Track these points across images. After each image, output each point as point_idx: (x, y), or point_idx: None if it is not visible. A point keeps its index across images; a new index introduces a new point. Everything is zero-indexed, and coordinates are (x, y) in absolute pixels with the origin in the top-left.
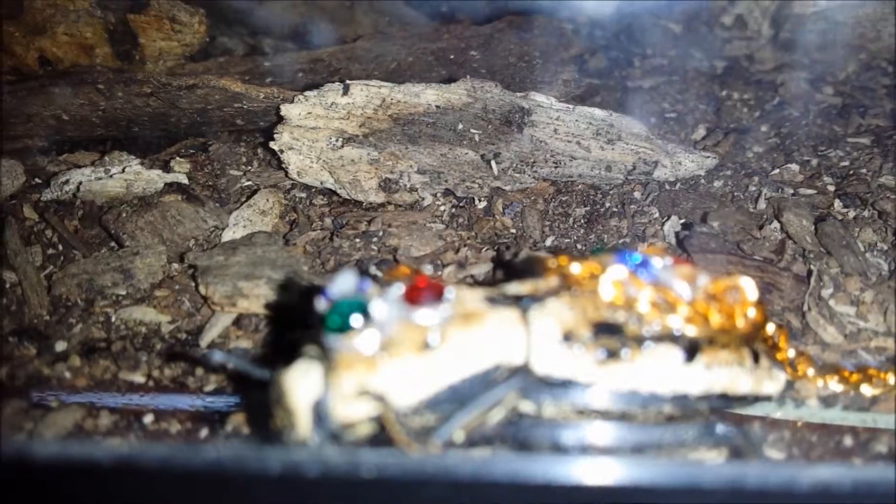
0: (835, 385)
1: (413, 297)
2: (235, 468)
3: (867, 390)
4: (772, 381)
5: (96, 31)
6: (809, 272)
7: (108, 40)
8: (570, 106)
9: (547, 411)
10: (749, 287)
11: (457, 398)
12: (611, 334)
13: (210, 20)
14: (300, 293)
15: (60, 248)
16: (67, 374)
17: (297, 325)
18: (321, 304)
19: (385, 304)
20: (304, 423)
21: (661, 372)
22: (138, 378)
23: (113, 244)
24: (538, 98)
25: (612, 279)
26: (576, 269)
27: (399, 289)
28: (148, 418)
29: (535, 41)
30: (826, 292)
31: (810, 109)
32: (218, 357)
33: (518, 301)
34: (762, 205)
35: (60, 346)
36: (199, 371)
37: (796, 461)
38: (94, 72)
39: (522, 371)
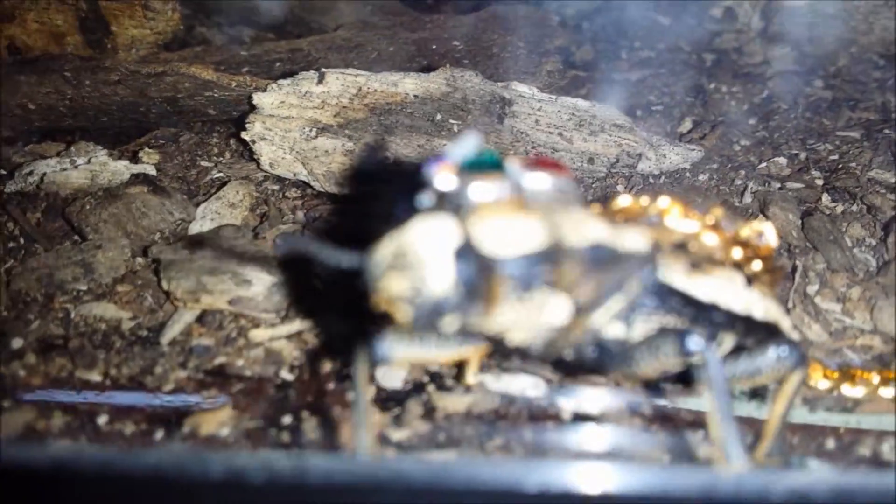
0: (821, 384)
1: (542, 166)
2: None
3: (850, 391)
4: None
5: (67, 19)
6: (794, 268)
7: (80, 28)
8: (553, 96)
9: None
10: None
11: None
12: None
13: (188, 9)
14: None
15: (21, 241)
16: (22, 373)
17: None
18: (438, 170)
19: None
20: (444, 275)
21: (732, 291)
22: (95, 377)
23: (76, 237)
24: (520, 88)
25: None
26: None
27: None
28: (102, 419)
29: (520, 32)
30: (812, 289)
31: (799, 103)
32: (280, 242)
33: None
34: (748, 199)
35: (16, 343)
36: (158, 370)
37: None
38: (60, 59)
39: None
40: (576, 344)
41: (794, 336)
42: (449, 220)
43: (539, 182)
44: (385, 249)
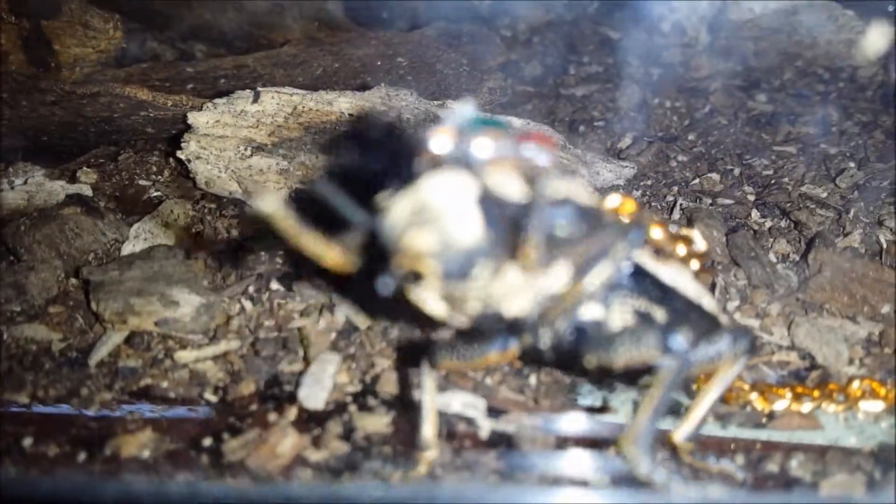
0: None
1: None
2: None
3: (761, 406)
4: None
5: (10, 38)
6: (713, 284)
7: (23, 47)
8: (488, 115)
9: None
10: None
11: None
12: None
13: (140, 24)
14: None
15: None
16: None
17: None
18: (438, 136)
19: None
20: (472, 224)
21: (688, 279)
22: (23, 399)
23: (11, 258)
24: (454, 106)
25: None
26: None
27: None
28: (27, 441)
29: (464, 49)
30: (732, 305)
31: (740, 117)
32: (323, 189)
33: None
34: (676, 215)
35: None
36: (84, 392)
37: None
38: None
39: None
40: (564, 314)
41: None
42: (464, 173)
43: (530, 150)
44: (401, 208)
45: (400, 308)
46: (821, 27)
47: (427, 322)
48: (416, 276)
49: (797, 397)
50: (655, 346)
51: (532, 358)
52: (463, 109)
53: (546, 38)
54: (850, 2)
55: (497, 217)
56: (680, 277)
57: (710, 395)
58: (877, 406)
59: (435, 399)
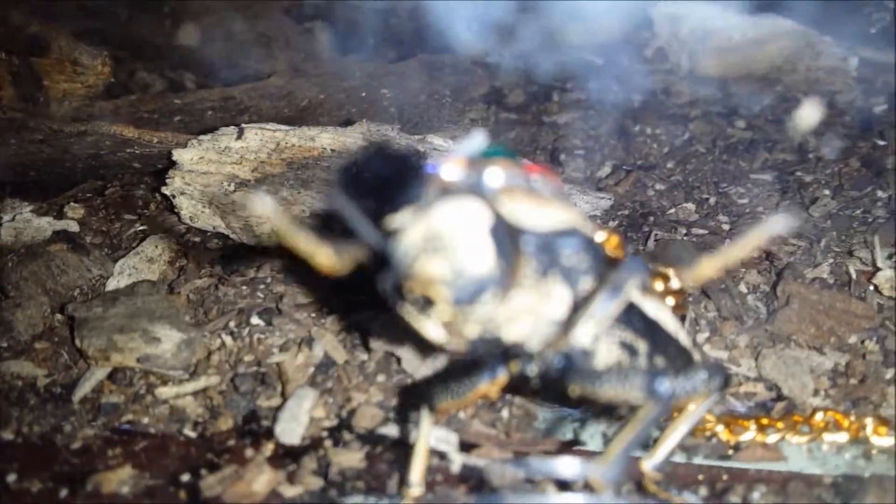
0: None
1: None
2: None
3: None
4: None
5: (1, 74)
6: (683, 317)
7: (13, 82)
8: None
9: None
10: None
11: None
12: None
13: (130, 54)
14: None
15: None
16: None
17: None
18: (449, 165)
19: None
20: (484, 252)
21: (668, 314)
22: (8, 435)
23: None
24: (435, 141)
25: None
26: None
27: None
28: (11, 478)
29: (446, 79)
30: (702, 336)
31: (718, 145)
32: (337, 200)
33: None
34: (651, 245)
35: None
36: (67, 428)
37: None
38: None
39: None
40: (563, 348)
41: None
42: (478, 200)
43: (537, 181)
44: (414, 233)
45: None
46: (799, 54)
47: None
48: (427, 302)
49: (762, 429)
50: (641, 389)
51: (518, 386)
52: (474, 140)
53: (531, 64)
54: (828, 29)
55: (507, 245)
56: (660, 312)
57: (681, 428)
58: (840, 437)
59: (429, 442)
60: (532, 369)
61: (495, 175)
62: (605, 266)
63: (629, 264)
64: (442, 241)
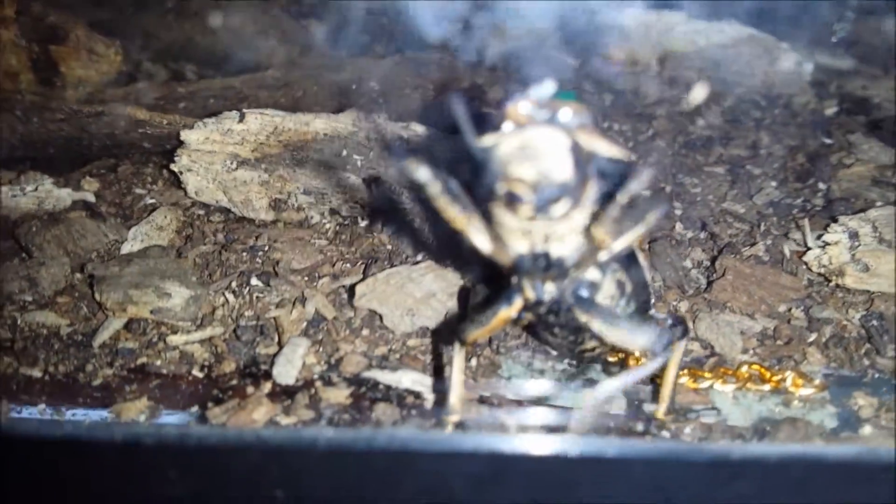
0: None
1: None
2: None
3: None
4: None
5: (21, 60)
6: None
7: (32, 68)
8: (447, 135)
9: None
10: None
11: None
12: None
13: (136, 45)
14: None
15: None
16: None
17: None
18: (522, 102)
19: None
20: (566, 165)
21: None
22: (36, 373)
23: (23, 255)
24: (418, 129)
25: None
26: None
27: None
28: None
29: (431, 75)
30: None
31: (678, 140)
32: (456, 104)
33: None
34: None
35: None
36: (89, 368)
37: None
38: (12, 101)
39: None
40: (591, 263)
41: None
42: (559, 130)
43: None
44: (509, 144)
45: None
46: (759, 59)
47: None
48: (513, 198)
49: (694, 377)
50: (649, 342)
51: (530, 323)
52: (546, 85)
53: (511, 64)
54: (786, 36)
55: (583, 164)
56: (642, 258)
57: (670, 375)
58: (764, 388)
59: (462, 372)
60: (549, 291)
61: (568, 114)
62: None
63: (654, 198)
64: (533, 150)
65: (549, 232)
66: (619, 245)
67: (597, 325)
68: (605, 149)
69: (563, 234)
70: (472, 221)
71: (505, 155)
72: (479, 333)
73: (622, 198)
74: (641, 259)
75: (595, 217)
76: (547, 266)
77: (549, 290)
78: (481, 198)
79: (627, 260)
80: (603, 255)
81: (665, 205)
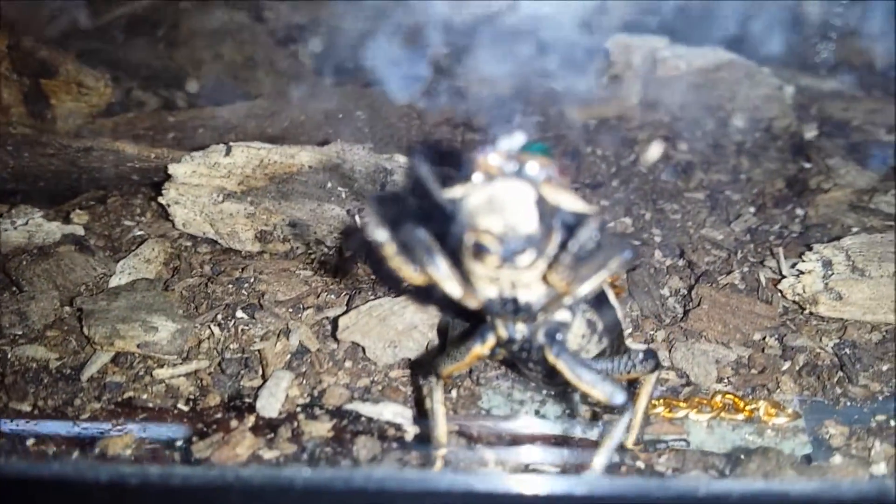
0: None
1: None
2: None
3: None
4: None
5: (12, 93)
6: None
7: (24, 101)
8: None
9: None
10: None
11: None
12: None
13: (126, 73)
14: None
15: None
16: None
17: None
18: (491, 154)
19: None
20: (530, 219)
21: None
22: (25, 407)
23: (14, 289)
24: (400, 160)
25: None
26: None
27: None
28: (30, 441)
29: (416, 104)
30: (627, 332)
31: (659, 165)
32: (418, 161)
33: None
34: None
35: None
36: (77, 402)
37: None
38: (4, 136)
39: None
40: (557, 307)
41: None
42: (526, 184)
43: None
44: (477, 196)
45: None
46: (739, 83)
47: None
48: (480, 249)
49: (669, 407)
50: (607, 395)
51: (506, 359)
52: (515, 137)
53: (497, 89)
54: (766, 62)
55: (547, 217)
56: (614, 297)
57: (641, 405)
58: (737, 417)
59: (443, 406)
60: (520, 331)
61: (534, 167)
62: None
63: (619, 244)
64: (500, 203)
65: (515, 279)
66: (583, 291)
67: (562, 369)
68: (570, 203)
69: (529, 282)
70: (439, 270)
71: (473, 207)
72: (454, 368)
73: (573, 246)
74: (612, 297)
75: (551, 265)
76: (515, 310)
77: (521, 329)
78: (451, 246)
79: (598, 300)
80: (568, 301)
81: (629, 250)
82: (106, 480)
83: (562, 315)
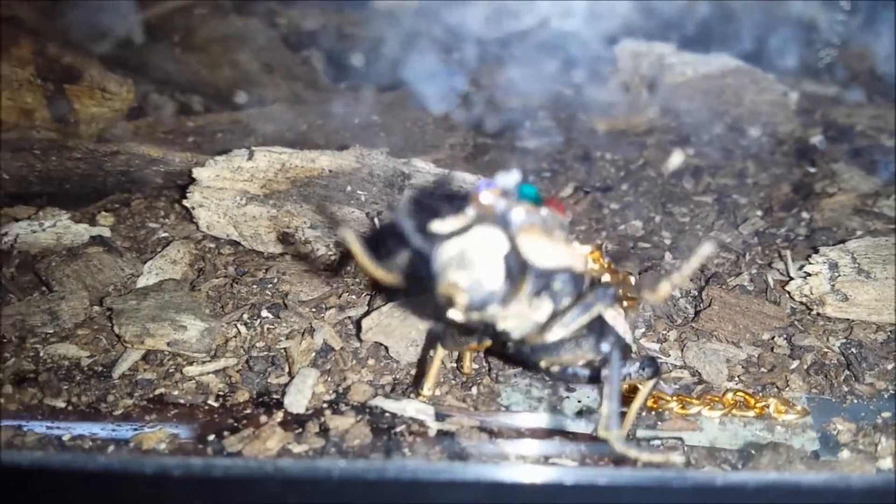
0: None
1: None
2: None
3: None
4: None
5: (36, 98)
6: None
7: (47, 105)
8: (446, 170)
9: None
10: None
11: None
12: None
13: (144, 78)
14: None
15: None
16: (1, 401)
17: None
18: (486, 192)
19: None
20: (495, 276)
21: (620, 319)
22: (60, 404)
23: (44, 289)
24: (418, 164)
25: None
26: None
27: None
28: (66, 436)
29: (432, 109)
30: (639, 332)
31: (668, 169)
32: (397, 214)
33: None
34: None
35: None
36: (110, 398)
37: None
38: (32, 140)
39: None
40: (537, 341)
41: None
42: (500, 233)
43: (551, 216)
44: (451, 249)
45: None
46: (745, 89)
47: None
48: (450, 301)
49: (683, 404)
50: (591, 349)
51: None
52: (511, 175)
53: (508, 93)
54: (771, 68)
55: (515, 271)
56: (616, 318)
57: (635, 404)
58: (748, 413)
59: (440, 364)
60: (509, 347)
61: (519, 213)
62: (586, 286)
63: (599, 291)
64: (468, 258)
65: (490, 316)
66: (556, 336)
67: (548, 361)
68: (547, 254)
69: (504, 317)
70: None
71: (444, 260)
72: (453, 348)
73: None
74: (610, 317)
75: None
76: (495, 334)
77: (510, 347)
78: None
79: (597, 320)
80: (547, 338)
81: (609, 295)
82: (150, 473)
83: (551, 339)
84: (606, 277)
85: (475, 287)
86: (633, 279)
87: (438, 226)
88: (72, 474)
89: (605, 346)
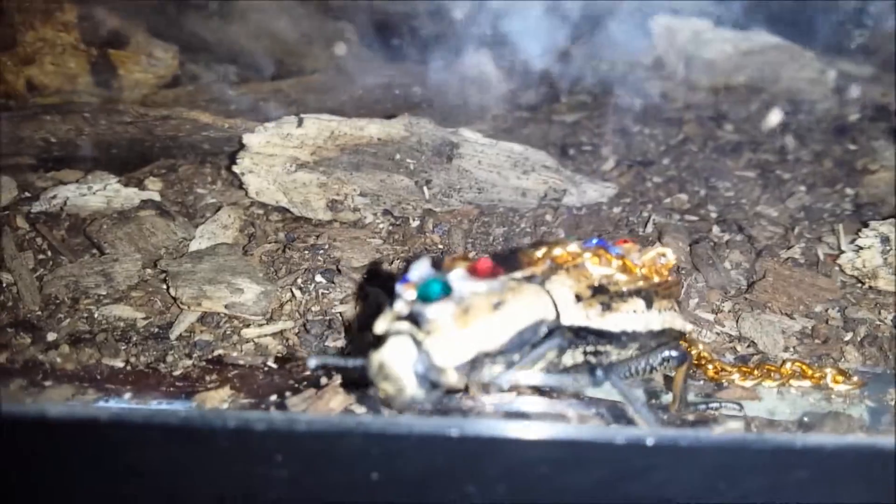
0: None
1: (478, 272)
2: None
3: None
4: (685, 323)
5: (79, 63)
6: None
7: (90, 70)
8: (493, 141)
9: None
10: (670, 253)
11: (519, 345)
12: (601, 293)
13: (180, 47)
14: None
15: (49, 254)
16: (58, 360)
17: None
18: (403, 288)
19: (461, 279)
20: (411, 384)
21: (635, 315)
22: (118, 363)
23: (95, 251)
24: (466, 134)
25: (590, 256)
26: (559, 252)
27: (462, 271)
28: (126, 395)
29: (468, 80)
30: (693, 302)
31: (709, 145)
32: (314, 362)
33: (531, 279)
34: (650, 229)
35: (51, 336)
36: (169, 359)
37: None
38: (81, 103)
39: (556, 328)
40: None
41: (688, 328)
42: (408, 342)
43: (477, 286)
44: (374, 363)
45: None
46: (783, 66)
47: None
48: (385, 401)
49: (743, 374)
50: (589, 383)
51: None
52: (422, 266)
53: (542, 69)
54: (809, 44)
55: (426, 375)
56: (627, 321)
57: (678, 386)
58: (805, 384)
59: None
60: None
61: (433, 311)
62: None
63: (551, 339)
64: (385, 370)
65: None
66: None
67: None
68: (494, 328)
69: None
70: None
71: (372, 373)
72: None
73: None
74: (628, 319)
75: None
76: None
77: None
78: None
79: (594, 334)
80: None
81: (560, 339)
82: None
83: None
84: (639, 283)
85: (398, 393)
86: (668, 256)
87: (376, 326)
88: (149, 429)
89: (599, 377)
